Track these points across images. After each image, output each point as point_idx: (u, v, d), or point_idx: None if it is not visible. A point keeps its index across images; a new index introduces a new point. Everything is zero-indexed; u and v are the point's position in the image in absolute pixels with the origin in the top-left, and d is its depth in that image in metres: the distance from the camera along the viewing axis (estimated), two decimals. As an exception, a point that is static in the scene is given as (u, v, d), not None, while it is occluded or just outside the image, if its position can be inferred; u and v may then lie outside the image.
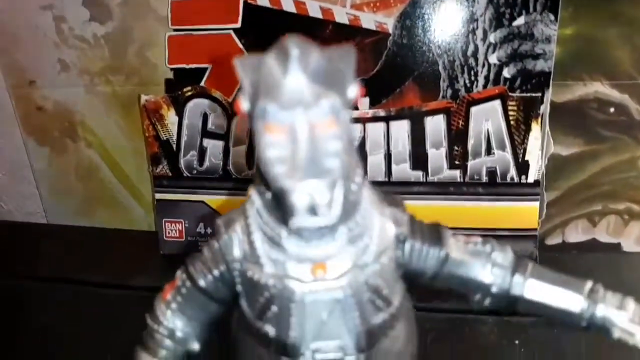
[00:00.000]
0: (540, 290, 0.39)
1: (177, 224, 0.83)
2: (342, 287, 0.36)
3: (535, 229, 0.78)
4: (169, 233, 0.83)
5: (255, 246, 0.37)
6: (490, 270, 0.39)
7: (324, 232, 0.34)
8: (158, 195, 0.85)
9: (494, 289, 0.39)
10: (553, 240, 0.90)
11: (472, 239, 0.41)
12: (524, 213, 0.78)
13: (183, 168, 0.83)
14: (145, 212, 0.94)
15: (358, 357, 0.37)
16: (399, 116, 0.77)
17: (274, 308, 0.36)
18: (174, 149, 0.83)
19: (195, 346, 0.41)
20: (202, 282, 0.39)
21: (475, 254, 0.40)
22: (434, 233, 0.40)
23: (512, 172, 0.78)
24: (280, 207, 0.33)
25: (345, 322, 0.36)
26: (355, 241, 0.36)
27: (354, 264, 0.36)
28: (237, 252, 0.38)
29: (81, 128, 0.95)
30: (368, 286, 0.36)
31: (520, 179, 0.78)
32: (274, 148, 0.30)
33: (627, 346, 0.68)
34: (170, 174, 0.84)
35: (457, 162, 0.78)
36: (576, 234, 0.91)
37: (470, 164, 0.78)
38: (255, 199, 0.37)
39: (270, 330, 0.37)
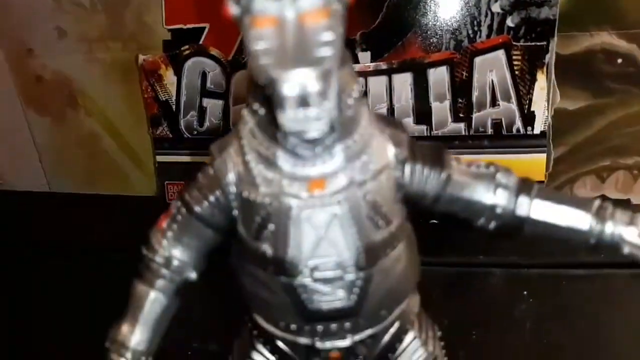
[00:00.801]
0: (547, 210, 0.38)
1: (178, 186, 0.82)
2: (340, 202, 0.34)
3: (542, 181, 0.76)
4: (171, 195, 0.82)
5: (249, 167, 0.36)
6: (494, 191, 0.38)
7: (319, 143, 0.33)
8: (159, 158, 0.84)
9: (498, 210, 0.38)
10: (561, 197, 0.89)
11: (475, 162, 0.40)
12: (531, 165, 0.76)
13: (183, 129, 0.82)
14: (147, 179, 0.93)
15: (357, 275, 0.36)
16: (401, 69, 0.76)
17: (271, 226, 0.35)
18: (174, 109, 0.82)
19: (193, 275, 0.40)
20: (197, 209, 0.38)
21: (479, 176, 0.38)
22: (435, 155, 0.38)
23: (518, 123, 0.76)
24: (273, 114, 0.31)
25: (344, 238, 0.35)
26: (353, 159, 0.35)
27: (351, 181, 0.35)
28: (231, 174, 0.37)
29: (81, 97, 0.95)
30: (366, 202, 0.35)
31: (526, 130, 0.76)
32: (262, 40, 0.29)
33: (631, 295, 0.67)
34: (170, 136, 0.83)
35: (461, 115, 0.77)
36: (584, 190, 0.89)
37: (475, 116, 0.76)
38: (248, 119, 0.36)
39: (267, 249, 0.36)
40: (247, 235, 0.37)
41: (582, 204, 0.38)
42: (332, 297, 0.36)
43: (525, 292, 0.69)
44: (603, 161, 0.87)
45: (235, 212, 0.37)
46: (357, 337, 0.38)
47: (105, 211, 0.91)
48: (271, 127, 0.34)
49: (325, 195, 0.35)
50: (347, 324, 0.37)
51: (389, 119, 0.39)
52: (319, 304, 0.36)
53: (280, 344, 0.41)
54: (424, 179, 0.38)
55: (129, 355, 0.39)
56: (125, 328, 0.39)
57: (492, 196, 0.38)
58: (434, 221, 0.79)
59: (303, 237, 0.35)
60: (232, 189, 0.37)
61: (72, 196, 0.97)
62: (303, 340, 0.38)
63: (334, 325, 0.37)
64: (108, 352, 0.39)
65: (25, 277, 0.81)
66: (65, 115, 0.96)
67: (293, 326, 0.37)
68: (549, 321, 0.65)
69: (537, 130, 0.76)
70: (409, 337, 0.43)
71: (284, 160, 0.35)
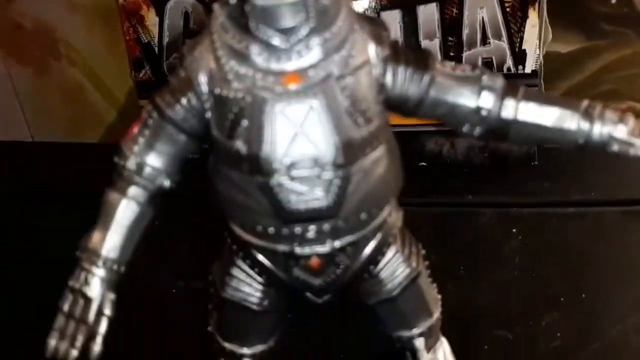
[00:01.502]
0: (534, 111, 0.36)
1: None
2: (316, 94, 0.33)
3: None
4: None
5: (221, 63, 0.34)
6: (479, 94, 0.36)
7: (294, 32, 0.32)
8: (142, 102, 0.82)
9: (483, 113, 0.36)
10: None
11: (460, 66, 0.38)
12: (522, 105, 0.75)
13: (166, 71, 0.80)
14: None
15: (335, 174, 0.34)
16: (390, 6, 0.74)
17: (244, 122, 0.34)
18: (156, 51, 0.80)
19: (166, 183, 0.38)
20: (169, 112, 0.37)
21: (464, 79, 0.37)
22: (419, 56, 0.37)
23: (509, 62, 0.74)
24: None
25: (321, 132, 0.33)
26: (331, 53, 0.34)
27: (329, 74, 0.33)
28: (202, 73, 0.35)
29: (63, 46, 0.92)
30: (345, 97, 0.34)
31: (517, 69, 0.74)
32: None
33: (621, 232, 0.67)
34: (153, 79, 0.81)
35: (451, 54, 0.75)
36: (577, 136, 0.88)
37: (466, 55, 0.74)
38: (219, 13, 0.34)
39: (241, 147, 0.34)
40: (221, 136, 0.35)
41: (570, 104, 0.37)
42: (310, 197, 0.35)
43: (514, 230, 0.68)
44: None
45: (209, 114, 0.36)
46: (337, 244, 0.37)
47: (90, 159, 0.89)
48: (243, 18, 0.32)
49: (300, 89, 0.33)
50: (326, 227, 0.36)
51: (370, 17, 0.37)
52: (296, 204, 0.35)
53: (259, 256, 0.40)
54: (407, 80, 0.36)
55: (100, 262, 0.37)
56: (96, 236, 0.38)
57: (477, 99, 0.36)
58: (423, 164, 0.78)
59: (278, 132, 0.33)
60: (204, 88, 0.35)
61: (55, 145, 0.95)
62: (282, 247, 0.37)
63: (312, 228, 0.36)
64: (79, 261, 0.38)
65: (11, 226, 0.80)
66: (47, 65, 0.94)
67: (271, 230, 0.36)
68: (539, 257, 0.65)
69: (528, 70, 0.75)
70: (392, 251, 0.42)
71: (257, 54, 0.33)
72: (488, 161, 0.77)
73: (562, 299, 0.60)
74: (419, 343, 0.46)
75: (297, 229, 0.36)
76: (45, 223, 0.78)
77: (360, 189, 0.36)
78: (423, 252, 0.45)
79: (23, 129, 0.99)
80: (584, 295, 0.60)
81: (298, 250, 0.36)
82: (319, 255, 0.37)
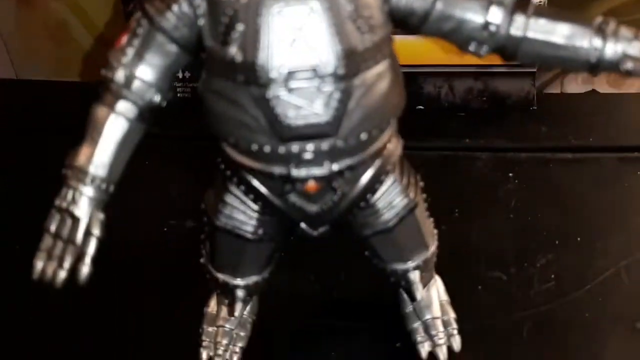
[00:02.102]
0: (544, 27, 0.34)
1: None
2: None
3: (533, 65, 0.73)
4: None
5: None
6: (487, 8, 0.34)
7: None
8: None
9: (492, 29, 0.34)
10: (551, 91, 0.86)
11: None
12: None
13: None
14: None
15: (336, 86, 0.32)
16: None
17: (240, 26, 0.31)
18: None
19: (157, 98, 0.36)
20: (159, 20, 0.34)
21: None
22: None
23: None
24: None
25: (323, 37, 0.31)
26: None
27: None
28: None
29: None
30: (348, 0, 0.32)
31: None
32: None
33: (618, 178, 0.66)
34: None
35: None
36: (576, 85, 0.87)
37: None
38: None
39: (236, 54, 0.32)
40: (215, 44, 0.33)
41: (583, 20, 0.35)
42: (308, 111, 0.33)
43: (511, 174, 0.68)
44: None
45: (201, 22, 0.34)
46: (335, 166, 0.35)
47: (75, 98, 0.87)
48: None
49: None
50: (325, 147, 0.34)
51: None
52: (294, 120, 0.33)
53: (254, 181, 0.38)
54: None
55: (88, 180, 0.36)
56: (83, 153, 0.36)
57: (485, 14, 0.34)
58: (420, 107, 0.77)
59: (275, 36, 0.31)
60: None
61: (40, 84, 0.92)
62: (278, 169, 0.35)
63: (310, 147, 0.34)
64: (66, 179, 0.36)
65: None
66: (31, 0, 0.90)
67: (267, 148, 0.34)
68: (534, 201, 0.64)
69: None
70: (390, 180, 0.40)
71: None
72: (486, 105, 0.75)
73: (557, 241, 0.59)
74: (414, 276, 0.45)
75: (294, 148, 0.34)
76: (31, 160, 0.76)
77: (361, 105, 0.34)
78: (421, 184, 0.44)
79: (7, 67, 0.96)
80: (579, 239, 0.60)
81: (294, 172, 0.35)
82: (315, 178, 0.35)
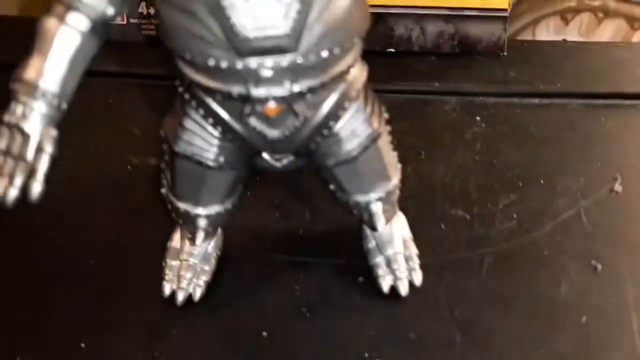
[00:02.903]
0: None
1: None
2: None
3: (505, 10, 0.72)
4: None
5: None
6: None
7: None
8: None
9: None
10: (523, 37, 0.86)
11: None
12: (495, -8, 0.72)
13: None
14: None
15: None
16: None
17: None
18: None
19: (110, 11, 0.35)
20: None
21: None
22: None
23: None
24: None
25: None
26: None
27: None
28: None
29: None
30: None
31: (491, -46, 0.71)
32: None
33: (584, 124, 0.67)
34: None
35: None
36: (547, 33, 0.87)
37: None
38: None
39: None
40: None
41: None
42: (266, 22, 0.32)
43: (478, 118, 0.68)
44: (569, 2, 0.83)
45: None
46: (296, 87, 0.35)
47: (13, 33, 0.83)
48: None
49: None
50: (284, 63, 0.33)
51: None
52: (251, 31, 0.32)
53: (213, 104, 0.37)
54: None
55: (39, 95, 0.34)
56: (33, 66, 0.34)
57: None
58: (391, 49, 0.76)
59: None
60: None
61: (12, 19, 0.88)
62: (236, 88, 0.35)
63: (269, 63, 0.33)
64: (14, 93, 0.35)
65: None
66: None
67: (223, 64, 0.33)
68: (500, 144, 0.65)
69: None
70: (353, 107, 0.40)
71: None
72: (457, 49, 0.75)
73: (520, 183, 0.60)
74: (376, 207, 0.45)
75: (252, 63, 0.33)
76: None
77: (322, 19, 0.33)
78: (386, 115, 0.44)
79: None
80: (541, 181, 0.60)
81: (254, 91, 0.34)
82: (276, 99, 0.35)
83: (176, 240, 0.52)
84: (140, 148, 0.65)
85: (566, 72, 0.74)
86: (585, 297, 0.50)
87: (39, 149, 0.35)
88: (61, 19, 0.34)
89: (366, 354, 0.47)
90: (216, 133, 0.39)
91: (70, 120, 0.67)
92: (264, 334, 0.49)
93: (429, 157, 0.63)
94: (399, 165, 0.48)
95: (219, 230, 0.52)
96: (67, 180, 0.62)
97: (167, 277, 0.51)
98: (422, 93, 0.71)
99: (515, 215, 0.57)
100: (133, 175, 0.62)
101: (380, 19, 0.72)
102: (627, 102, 0.69)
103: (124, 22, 0.76)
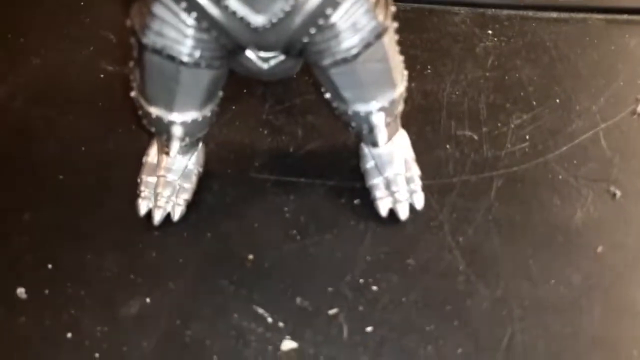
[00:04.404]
0: None
1: None
2: None
3: None
4: None
5: None
6: None
7: None
8: None
9: None
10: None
11: None
12: None
13: None
14: None
15: None
16: None
17: None
18: None
19: None
20: None
21: None
22: None
23: None
24: None
25: None
26: None
27: None
28: None
29: None
30: None
31: None
32: None
33: (604, 39, 0.61)
34: None
35: None
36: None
37: None
38: None
39: None
40: None
41: None
42: None
43: (490, 32, 0.61)
44: None
45: None
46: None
47: None
48: None
49: None
50: None
51: None
52: None
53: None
54: None
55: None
56: None
57: None
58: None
59: None
60: None
61: None
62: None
63: None
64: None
65: None
66: None
67: None
68: (513, 59, 0.59)
69: None
70: (355, -5, 0.34)
71: None
72: (469, -46, 0.67)
73: (534, 102, 0.55)
74: (377, 118, 0.40)
75: None
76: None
77: None
78: (393, 8, 0.37)
79: None
80: (557, 100, 0.55)
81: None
82: (260, -28, 0.29)
83: (152, 154, 0.47)
84: (115, 55, 0.58)
85: (588, -16, 0.66)
86: (602, 225, 0.46)
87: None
88: None
89: (361, 280, 0.43)
90: (190, 21, 0.33)
91: (38, 25, 0.63)
92: (250, 257, 0.44)
93: (435, 72, 0.57)
94: (406, 72, 0.42)
95: (200, 144, 0.47)
96: (35, 88, 0.57)
97: (142, 195, 0.46)
98: (428, 2, 0.64)
99: (527, 137, 0.52)
100: (107, 84, 0.56)
101: None
102: (653, 18, 0.63)
103: None
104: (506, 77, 0.57)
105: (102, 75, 0.57)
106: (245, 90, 0.55)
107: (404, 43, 0.58)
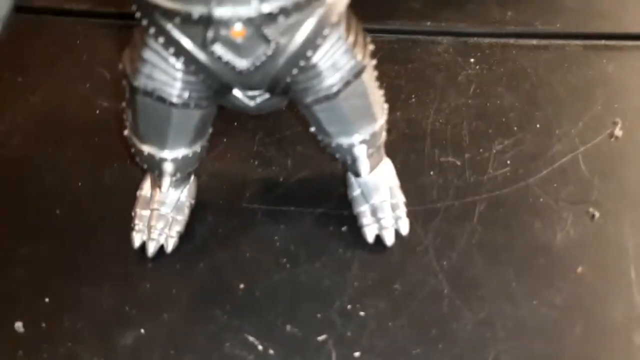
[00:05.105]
0: None
1: None
2: None
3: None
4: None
5: None
6: None
7: None
8: None
9: None
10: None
11: None
12: None
13: None
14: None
15: None
16: None
17: None
18: None
19: None
20: None
21: None
22: None
23: None
24: None
25: None
26: None
27: None
28: None
29: None
30: None
31: None
32: None
33: (582, 65, 0.63)
34: None
35: None
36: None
37: None
38: None
39: None
40: None
41: None
42: None
43: (472, 60, 0.63)
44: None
45: None
46: (266, 7, 0.30)
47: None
48: None
49: None
50: (250, -21, 0.29)
51: None
52: None
53: (173, 31, 0.33)
54: None
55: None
56: None
57: None
58: (380, -13, 0.71)
59: None
60: None
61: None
62: (197, 9, 0.30)
63: None
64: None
65: None
66: None
67: (182, -25, 0.29)
68: (495, 86, 0.60)
69: None
70: (334, 36, 0.36)
71: None
72: (450, -15, 0.70)
73: (515, 127, 0.57)
74: (360, 151, 0.41)
75: None
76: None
77: None
78: (371, 46, 0.39)
79: None
80: (538, 125, 0.57)
81: (217, 11, 0.30)
82: (242, 21, 0.30)
83: (146, 188, 0.49)
84: (110, 91, 0.60)
85: (566, 11, 0.69)
86: (582, 246, 0.48)
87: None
88: None
89: (349, 306, 0.44)
90: (179, 65, 0.35)
91: (36, 63, 0.65)
92: (242, 286, 0.46)
93: (419, 101, 0.59)
94: (386, 105, 0.44)
95: (192, 177, 0.49)
96: (33, 125, 0.59)
97: (137, 228, 0.47)
98: (413, 33, 0.66)
99: (509, 161, 0.54)
100: (102, 120, 0.58)
101: (368, -47, 0.66)
102: (630, 43, 0.65)
103: (92, -44, 0.70)
104: (488, 104, 0.59)
105: (97, 111, 0.59)
106: (235, 123, 0.57)
107: (388, 74, 0.62)
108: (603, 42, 0.66)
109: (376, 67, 0.42)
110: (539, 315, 0.44)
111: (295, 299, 0.45)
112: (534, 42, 0.66)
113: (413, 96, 0.60)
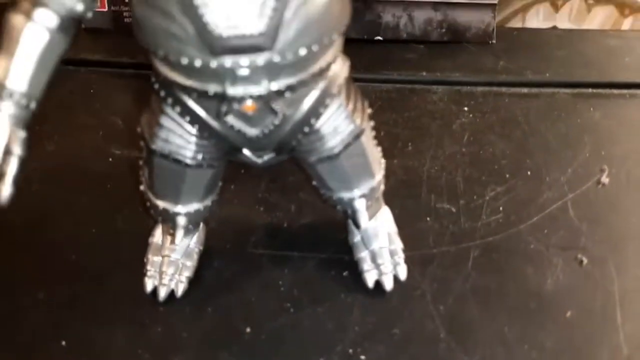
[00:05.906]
0: None
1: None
2: None
3: (494, 4, 0.71)
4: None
5: None
6: None
7: None
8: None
9: None
10: (513, 25, 0.85)
11: None
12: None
13: None
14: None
15: None
16: None
17: None
18: None
19: (80, 7, 0.34)
20: None
21: None
22: None
23: None
24: None
25: None
26: None
27: None
28: None
29: None
30: None
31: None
32: None
33: (572, 112, 0.66)
34: None
35: None
36: (537, 20, 0.86)
37: None
38: None
39: None
40: None
41: None
42: (240, 21, 0.31)
43: (465, 109, 0.67)
44: (559, -12, 0.82)
45: None
46: (274, 85, 0.34)
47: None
48: None
49: None
50: (261, 61, 0.32)
51: None
52: (225, 30, 0.31)
53: (189, 102, 0.36)
54: None
55: (6, 94, 0.33)
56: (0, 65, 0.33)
57: None
58: (379, 37, 0.75)
59: None
60: None
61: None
62: (213, 87, 0.33)
63: (244, 62, 0.32)
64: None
65: None
66: None
67: (197, 62, 0.32)
68: (487, 134, 0.64)
69: None
70: (335, 104, 0.39)
71: None
72: (445, 37, 0.74)
73: (507, 174, 0.60)
74: (359, 204, 0.44)
75: (227, 63, 0.32)
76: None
77: (299, 15, 0.32)
78: (369, 110, 0.43)
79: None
80: (529, 172, 0.60)
81: (230, 90, 0.33)
82: (253, 98, 0.34)
83: (158, 235, 0.51)
84: (123, 139, 0.63)
85: (556, 61, 0.73)
86: (571, 291, 0.50)
87: (7, 152, 0.34)
88: (28, 15, 0.33)
89: (350, 350, 0.47)
90: (193, 131, 0.38)
91: (52, 113, 0.68)
92: (248, 330, 0.48)
93: (415, 148, 0.62)
94: (383, 161, 0.47)
95: (202, 224, 0.51)
96: (48, 173, 0.62)
97: (149, 273, 0.50)
98: (409, 82, 0.70)
99: (501, 208, 0.56)
100: (115, 168, 0.61)
101: (367, 7, 0.70)
102: (616, 91, 0.69)
103: (105, 9, 0.74)
104: (481, 152, 0.62)
105: (110, 159, 0.62)
106: (242, 171, 0.60)
107: (387, 122, 0.65)
108: (590, 90, 0.69)
109: (375, 116, 0.45)
110: (530, 359, 0.46)
111: (300, 342, 0.47)
112: (525, 90, 0.69)
113: (410, 144, 0.63)
